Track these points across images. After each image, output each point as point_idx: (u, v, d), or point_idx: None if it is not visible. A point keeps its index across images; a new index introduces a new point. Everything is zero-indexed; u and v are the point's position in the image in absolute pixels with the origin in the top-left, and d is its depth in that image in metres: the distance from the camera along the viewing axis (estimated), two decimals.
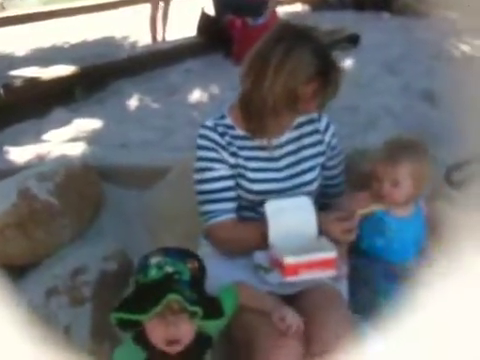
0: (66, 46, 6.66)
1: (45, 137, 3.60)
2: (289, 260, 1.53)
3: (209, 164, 1.70)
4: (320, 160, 1.78)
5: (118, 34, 7.10)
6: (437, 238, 1.88)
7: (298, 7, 8.54)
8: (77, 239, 2.45)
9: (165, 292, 1.23)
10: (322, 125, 1.80)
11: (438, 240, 1.88)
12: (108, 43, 6.56)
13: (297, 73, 1.57)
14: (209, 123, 1.73)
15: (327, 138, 1.80)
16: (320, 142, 1.79)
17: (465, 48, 5.39)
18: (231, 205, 1.70)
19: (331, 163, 1.83)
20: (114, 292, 2.01)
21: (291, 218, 1.62)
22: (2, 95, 3.43)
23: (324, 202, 1.82)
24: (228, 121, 1.73)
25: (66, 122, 3.82)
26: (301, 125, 1.78)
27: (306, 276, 1.55)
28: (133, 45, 6.48)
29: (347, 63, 5.14)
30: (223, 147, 1.69)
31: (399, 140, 1.79)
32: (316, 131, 1.79)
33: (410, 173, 1.70)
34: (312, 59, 1.57)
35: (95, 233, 2.59)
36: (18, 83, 3.73)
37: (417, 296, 1.62)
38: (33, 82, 3.85)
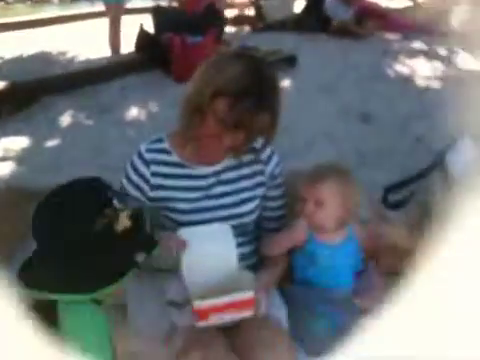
0: None
1: None
2: (199, 304, 1.35)
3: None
4: (259, 191, 1.68)
5: (55, 50, 6.89)
6: (378, 259, 1.85)
7: (239, 28, 8.61)
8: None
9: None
10: (265, 154, 1.68)
11: (379, 261, 1.84)
12: (44, 59, 6.34)
13: (214, 81, 1.45)
14: (142, 147, 1.62)
15: (269, 168, 1.69)
16: (261, 172, 1.68)
17: (401, 69, 5.54)
18: None
19: (272, 194, 1.72)
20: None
21: (207, 247, 1.49)
22: None
23: (262, 234, 1.74)
24: (165, 145, 1.62)
25: None
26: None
27: (220, 318, 1.39)
28: (70, 61, 6.28)
29: (284, 84, 5.17)
30: (146, 180, 1.59)
31: (325, 163, 1.77)
32: (257, 161, 1.67)
33: (334, 193, 1.66)
34: (241, 74, 1.44)
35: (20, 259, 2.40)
36: None
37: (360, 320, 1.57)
38: None
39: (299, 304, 1.66)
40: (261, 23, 8.14)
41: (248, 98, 1.42)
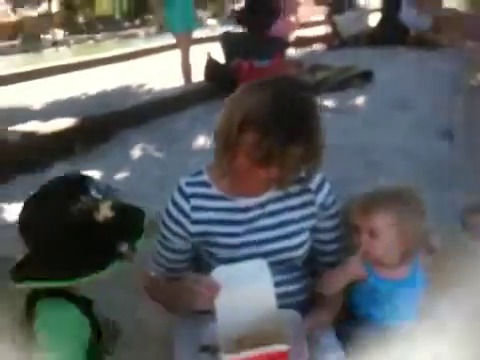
0: (83, 98, 6.72)
1: None
2: (229, 358, 1.27)
3: (168, 234, 1.54)
4: (309, 223, 1.54)
5: (135, 83, 7.17)
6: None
7: (316, 46, 8.54)
8: None
9: None
10: (314, 183, 1.54)
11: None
12: (123, 92, 6.60)
13: (240, 113, 1.33)
14: (182, 181, 1.55)
15: (320, 198, 1.54)
16: (311, 203, 1.54)
17: None
18: (170, 272, 1.58)
19: (324, 225, 1.57)
20: None
21: (241, 287, 1.37)
22: None
23: (316, 269, 1.60)
24: (205, 178, 1.54)
25: None
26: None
27: None
28: (147, 93, 6.49)
29: (359, 101, 4.99)
30: (186, 215, 1.51)
31: (380, 189, 1.61)
32: (306, 190, 1.53)
33: (390, 222, 1.50)
34: (266, 103, 1.31)
35: None
36: (14, 138, 3.66)
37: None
38: (29, 137, 3.78)
39: (356, 344, 1.48)
40: (336, 40, 8.02)
41: (276, 132, 1.29)
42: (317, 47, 8.31)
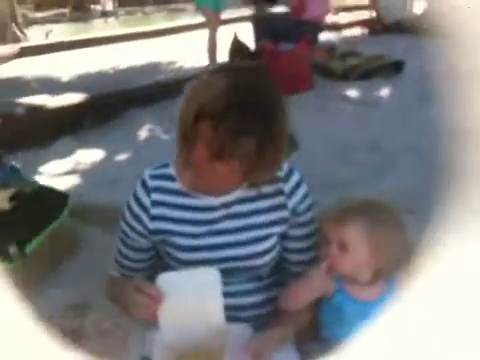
0: (111, 72, 6.71)
1: (43, 169, 3.51)
2: None
3: (127, 229, 1.45)
4: (279, 228, 1.41)
5: (166, 59, 7.11)
6: None
7: (356, 31, 8.24)
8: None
9: None
10: (289, 185, 1.41)
11: None
12: (153, 68, 6.56)
13: (197, 100, 1.23)
14: (146, 173, 1.44)
15: (293, 202, 1.41)
16: (282, 206, 1.41)
17: None
18: (133, 272, 1.48)
19: (295, 233, 1.45)
20: None
21: (186, 298, 1.25)
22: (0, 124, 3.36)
23: (282, 281, 1.48)
24: (170, 170, 1.43)
25: (69, 153, 3.73)
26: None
27: None
28: (177, 70, 6.42)
29: (383, 93, 4.76)
30: (146, 209, 1.41)
31: (358, 199, 1.44)
32: (279, 192, 1.41)
33: (361, 236, 1.35)
34: (224, 91, 1.20)
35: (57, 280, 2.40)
36: (21, 111, 3.66)
37: None
38: (36, 111, 3.77)
39: None
40: (378, 25, 7.70)
41: (227, 122, 1.18)
42: (357, 32, 8.01)
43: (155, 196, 1.40)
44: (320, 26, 6.02)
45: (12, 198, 1.12)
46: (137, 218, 1.42)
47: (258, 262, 1.39)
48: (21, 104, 3.78)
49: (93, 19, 15.33)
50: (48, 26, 12.12)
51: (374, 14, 8.04)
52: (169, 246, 1.40)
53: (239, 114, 1.18)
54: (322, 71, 5.29)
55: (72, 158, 3.65)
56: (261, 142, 1.20)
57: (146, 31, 9.97)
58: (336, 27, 7.96)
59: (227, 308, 1.26)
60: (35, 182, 1.22)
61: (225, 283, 1.28)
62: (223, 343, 1.23)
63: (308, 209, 1.43)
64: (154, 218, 1.40)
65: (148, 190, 1.41)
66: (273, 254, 1.42)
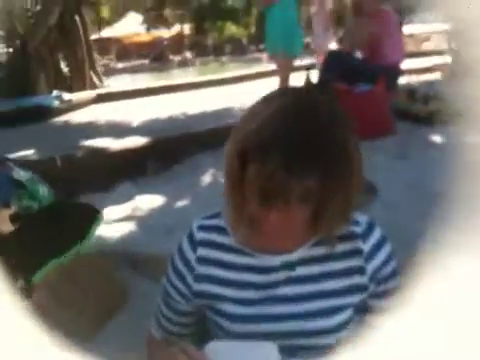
0: (181, 117, 6.67)
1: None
2: None
3: (170, 289, 1.19)
4: (354, 299, 1.10)
5: (236, 105, 7.02)
6: None
7: (435, 75, 7.84)
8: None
9: None
10: (368, 244, 1.10)
11: None
12: (225, 114, 6.44)
13: (239, 140, 0.99)
14: (194, 223, 1.18)
15: (372, 266, 1.11)
16: (360, 270, 1.11)
17: None
18: (174, 336, 1.23)
19: (373, 304, 1.14)
20: None
21: None
22: (59, 166, 3.25)
23: None
24: (221, 222, 1.16)
25: (129, 197, 3.56)
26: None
27: None
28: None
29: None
30: (190, 266, 1.15)
31: None
32: (355, 252, 1.11)
33: None
34: (266, 122, 0.95)
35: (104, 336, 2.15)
36: (79, 154, 3.56)
37: None
38: (97, 153, 3.66)
39: None
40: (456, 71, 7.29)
41: (275, 157, 0.91)
42: (436, 76, 7.63)
43: (202, 251, 1.13)
44: (398, 70, 5.67)
45: (14, 218, 0.86)
46: (181, 276, 1.15)
47: (327, 340, 1.07)
48: (83, 147, 3.69)
49: (172, 69, 15.82)
50: (127, 76, 12.56)
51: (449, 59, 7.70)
52: (216, 313, 1.12)
53: (290, 144, 0.90)
54: (403, 115, 4.93)
55: (131, 203, 3.47)
56: (322, 181, 0.92)
57: (219, 78, 10.08)
58: (414, 71, 7.62)
59: None
60: (51, 195, 0.98)
61: None
62: None
63: (391, 276, 1.11)
64: (199, 278, 1.13)
65: (194, 244, 1.14)
66: (347, 330, 1.09)
